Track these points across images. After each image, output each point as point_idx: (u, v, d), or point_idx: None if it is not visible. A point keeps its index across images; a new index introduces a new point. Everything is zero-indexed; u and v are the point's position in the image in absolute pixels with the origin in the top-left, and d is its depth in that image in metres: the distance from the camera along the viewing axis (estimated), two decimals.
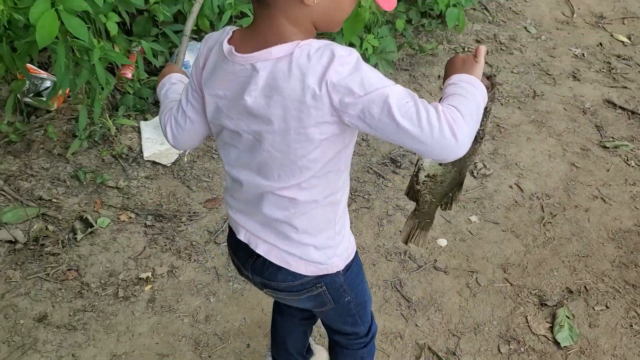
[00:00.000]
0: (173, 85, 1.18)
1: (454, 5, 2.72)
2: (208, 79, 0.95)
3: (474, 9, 3.21)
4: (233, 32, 0.93)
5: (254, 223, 1.02)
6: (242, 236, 1.05)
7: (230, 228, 1.11)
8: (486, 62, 2.86)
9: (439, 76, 2.75)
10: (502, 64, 2.89)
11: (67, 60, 1.91)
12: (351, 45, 2.52)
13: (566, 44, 3.10)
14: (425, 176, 1.13)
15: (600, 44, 3.12)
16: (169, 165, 2.20)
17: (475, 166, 2.32)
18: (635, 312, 1.80)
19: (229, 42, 0.90)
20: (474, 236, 2.03)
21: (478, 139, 1.06)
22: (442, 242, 2.01)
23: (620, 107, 2.67)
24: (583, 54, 3.03)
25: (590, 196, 2.22)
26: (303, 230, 0.99)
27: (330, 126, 0.85)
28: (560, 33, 3.19)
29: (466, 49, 2.93)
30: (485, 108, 0.97)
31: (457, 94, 0.89)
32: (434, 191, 1.16)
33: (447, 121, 0.82)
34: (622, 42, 3.15)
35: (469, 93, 0.90)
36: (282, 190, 0.95)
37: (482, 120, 0.96)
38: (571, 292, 1.85)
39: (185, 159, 2.24)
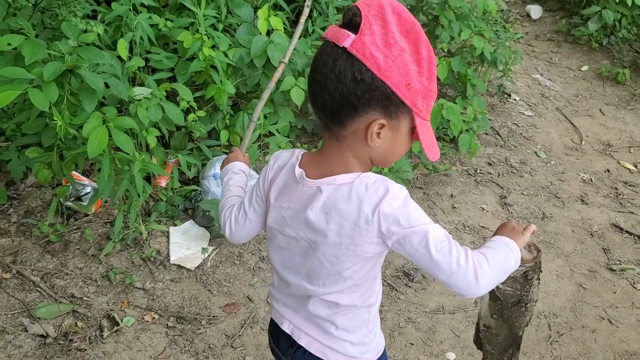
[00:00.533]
0: (235, 175, 1.34)
1: (467, 131, 2.94)
2: (277, 192, 1.12)
3: (487, 134, 3.43)
4: (302, 155, 1.11)
5: (298, 317, 1.17)
6: (285, 327, 1.19)
7: (272, 319, 1.25)
8: (497, 184, 3.03)
9: (452, 195, 2.91)
10: (512, 186, 3.05)
11: (110, 170, 2.13)
12: None
13: (575, 169, 3.27)
14: (482, 325, 1.26)
15: (608, 170, 3.28)
16: (193, 269, 2.34)
17: None
18: None
19: (300, 165, 1.08)
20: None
21: (523, 304, 1.19)
22: (451, 355, 2.07)
23: (627, 232, 2.77)
24: (591, 179, 3.18)
25: (597, 317, 2.27)
26: (342, 328, 1.14)
27: (375, 246, 1.02)
28: (569, 159, 3.36)
29: (478, 171, 3.10)
30: (531, 278, 1.14)
31: (492, 247, 1.07)
32: (491, 342, 1.28)
33: (473, 263, 0.98)
34: (629, 169, 3.31)
35: (502, 250, 1.06)
36: (326, 295, 1.11)
37: (528, 288, 1.15)
38: None
39: (209, 263, 2.38)
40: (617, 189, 3.11)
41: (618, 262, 2.58)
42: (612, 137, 3.61)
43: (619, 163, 3.36)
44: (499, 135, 3.45)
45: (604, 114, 3.81)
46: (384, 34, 0.94)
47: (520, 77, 4.13)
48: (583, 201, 2.99)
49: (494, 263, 1.02)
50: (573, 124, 3.69)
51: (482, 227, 2.74)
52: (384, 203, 0.97)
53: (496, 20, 3.67)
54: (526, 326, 1.25)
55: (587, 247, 2.67)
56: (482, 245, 1.07)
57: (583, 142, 3.53)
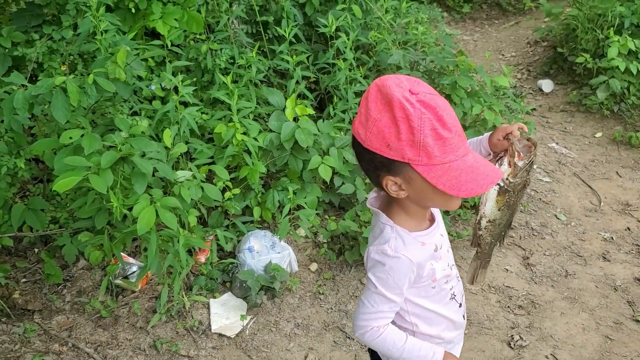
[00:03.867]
0: None
1: None
2: None
3: None
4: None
5: None
6: None
7: None
8: (519, 246, 3.16)
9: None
10: (534, 247, 3.17)
11: (156, 246, 2.35)
12: None
13: (595, 229, 3.38)
14: (487, 222, 1.43)
15: (628, 228, 3.38)
16: (233, 336, 2.49)
17: (512, 338, 2.49)
18: None
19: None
20: None
21: (527, 185, 1.38)
22: None
23: None
24: (612, 238, 3.28)
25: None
26: None
27: None
28: (589, 220, 3.48)
29: None
30: (533, 162, 1.36)
31: (413, 345, 1.39)
32: (493, 233, 1.45)
33: (368, 328, 1.38)
34: None
35: (407, 350, 1.37)
36: None
37: (530, 172, 1.36)
38: None
39: (247, 331, 2.54)
40: (638, 245, 3.19)
41: None
42: (631, 197, 3.72)
43: (638, 221, 3.45)
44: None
45: (620, 176, 3.94)
46: (365, 112, 1.19)
47: (538, 147, 4.32)
48: (605, 258, 3.08)
49: (385, 347, 1.39)
50: (591, 187, 3.83)
51: (507, 287, 2.85)
52: (374, 247, 1.33)
53: (507, 95, 3.90)
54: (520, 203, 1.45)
55: (612, 300, 2.74)
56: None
57: (602, 204, 3.65)
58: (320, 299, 2.75)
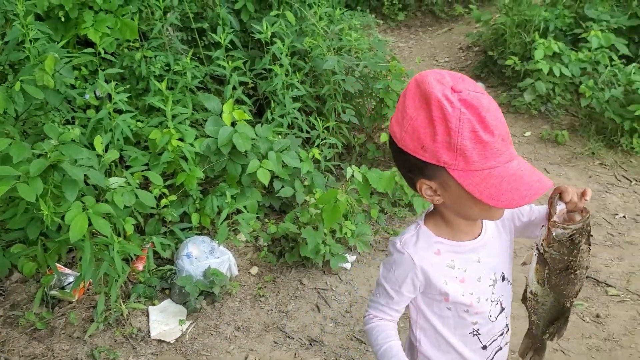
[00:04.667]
0: None
1: (419, 195, 3.21)
2: None
3: None
4: None
5: None
6: None
7: None
8: None
9: None
10: None
11: (90, 254, 2.33)
12: (331, 230, 2.95)
13: None
14: (529, 292, 1.26)
15: None
16: (172, 342, 2.48)
17: None
18: None
19: None
20: None
21: (571, 270, 1.16)
22: None
23: None
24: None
25: (551, 349, 2.45)
26: None
27: None
28: None
29: None
30: (578, 242, 1.14)
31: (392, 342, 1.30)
32: (537, 312, 1.28)
33: (366, 314, 1.36)
34: None
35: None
36: None
37: (575, 253, 1.15)
38: None
39: (187, 336, 2.54)
40: None
41: None
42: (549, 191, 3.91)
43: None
44: None
45: (548, 172, 4.13)
46: (401, 109, 1.10)
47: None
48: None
49: (369, 338, 1.35)
50: None
51: None
52: (393, 237, 1.33)
53: None
54: (575, 297, 1.21)
55: None
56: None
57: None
58: (260, 301, 2.77)
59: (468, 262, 1.27)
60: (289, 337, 2.56)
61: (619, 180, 3.93)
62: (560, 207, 1.15)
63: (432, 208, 1.29)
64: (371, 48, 3.88)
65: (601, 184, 3.90)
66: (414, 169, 1.12)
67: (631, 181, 3.93)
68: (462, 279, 1.26)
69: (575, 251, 1.13)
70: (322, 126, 3.33)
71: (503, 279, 1.33)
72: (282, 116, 3.38)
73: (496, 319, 1.33)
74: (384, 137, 3.49)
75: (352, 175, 2.91)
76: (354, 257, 3.06)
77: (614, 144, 4.28)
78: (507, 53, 5.05)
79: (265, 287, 2.87)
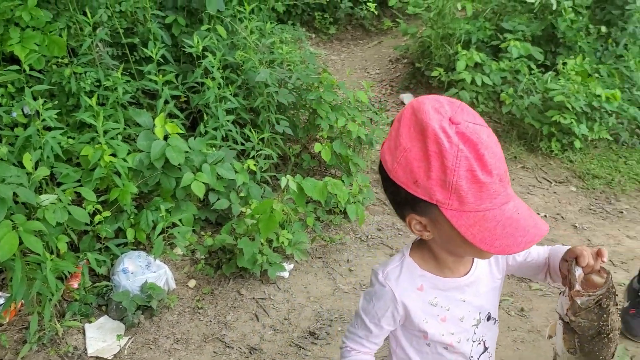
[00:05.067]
0: None
1: (354, 202, 3.31)
2: None
3: (375, 205, 3.83)
4: None
5: None
6: None
7: None
8: (387, 245, 3.38)
9: (348, 260, 3.22)
10: (400, 245, 3.41)
11: (22, 273, 2.29)
12: (268, 240, 3.00)
13: None
14: None
15: None
16: (110, 358, 2.46)
17: None
18: None
19: None
20: None
21: (604, 334, 1.10)
22: None
23: None
24: None
25: None
26: None
27: None
28: None
29: (369, 237, 3.45)
30: (606, 306, 1.08)
31: None
32: None
33: (343, 345, 1.34)
34: None
35: None
36: None
37: (605, 317, 1.08)
38: None
39: (126, 351, 2.52)
40: None
41: None
42: None
43: None
44: (385, 204, 3.85)
45: None
46: (395, 136, 1.03)
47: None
48: None
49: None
50: None
51: None
52: (375, 266, 1.28)
53: (370, 108, 4.18)
54: (612, 357, 1.14)
55: None
56: None
57: None
58: (199, 313, 2.78)
59: (452, 301, 1.22)
60: (228, 346, 2.59)
61: (540, 182, 4.17)
62: (578, 272, 1.09)
63: (420, 238, 1.20)
64: (303, 61, 3.98)
65: (523, 186, 4.12)
66: (404, 202, 1.07)
67: (551, 182, 4.18)
68: (443, 317, 1.22)
69: (605, 315, 1.07)
70: (257, 138, 3.38)
71: (488, 319, 1.28)
72: (215, 129, 3.41)
73: (478, 359, 1.29)
74: (318, 147, 3.58)
75: (287, 185, 2.98)
76: (292, 266, 3.12)
77: (534, 148, 4.54)
78: (433, 64, 5.27)
79: (204, 299, 2.88)
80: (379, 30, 7.00)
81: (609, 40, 5.13)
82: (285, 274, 3.05)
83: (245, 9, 3.70)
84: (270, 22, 4.08)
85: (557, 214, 3.81)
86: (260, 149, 3.45)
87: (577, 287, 1.09)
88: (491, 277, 1.28)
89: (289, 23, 5.47)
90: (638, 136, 4.60)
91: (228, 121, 3.42)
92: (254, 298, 2.90)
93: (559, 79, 4.45)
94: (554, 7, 4.77)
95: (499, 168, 0.98)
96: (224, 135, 3.42)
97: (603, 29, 5.09)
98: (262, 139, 3.54)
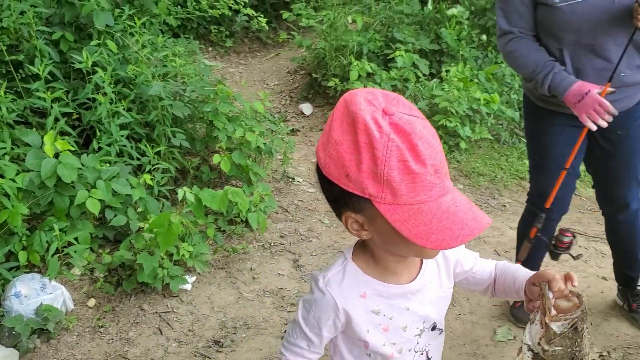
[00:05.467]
0: None
1: (253, 211, 3.37)
2: None
3: (277, 213, 3.91)
4: None
5: None
6: None
7: None
8: (289, 251, 3.47)
9: (251, 269, 3.27)
10: (303, 250, 3.50)
11: None
12: (169, 253, 2.99)
13: None
14: None
15: None
16: None
17: (285, 332, 2.75)
18: None
19: None
20: None
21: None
22: None
23: None
24: None
25: None
26: None
27: None
28: None
29: (272, 244, 3.52)
30: (581, 330, 1.04)
31: None
32: None
33: (282, 358, 1.24)
34: None
35: None
36: None
37: (579, 341, 1.03)
38: None
39: None
40: None
41: None
42: None
43: None
44: (288, 211, 3.95)
45: None
46: (327, 131, 1.00)
47: (302, 162, 4.76)
48: None
49: None
50: None
51: (280, 289, 3.12)
52: (314, 272, 1.22)
53: (268, 119, 4.26)
54: None
55: None
56: None
57: None
58: (100, 332, 2.73)
59: (395, 309, 1.17)
60: None
61: None
62: (550, 296, 1.05)
63: (362, 240, 1.16)
64: (197, 73, 4.00)
65: None
66: (338, 199, 1.02)
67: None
68: (386, 327, 1.17)
69: (579, 340, 1.03)
70: (153, 152, 3.36)
71: (433, 329, 1.24)
72: (110, 144, 3.35)
73: None
74: (216, 159, 3.61)
75: (185, 197, 2.99)
76: (194, 278, 3.13)
77: None
78: (329, 75, 5.45)
79: (104, 317, 2.83)
80: (276, 43, 7.13)
81: (489, 48, 5.54)
82: (188, 287, 3.05)
83: (135, 23, 3.67)
84: (163, 36, 4.07)
85: None
86: (157, 163, 3.43)
87: (554, 311, 1.03)
88: (439, 285, 1.23)
89: (184, 37, 5.46)
90: (517, 135, 4.99)
91: (122, 136, 3.38)
92: (156, 312, 2.88)
93: (444, 86, 4.75)
94: (429, 8, 5.07)
95: (434, 159, 0.94)
96: (119, 151, 3.38)
97: (484, 37, 5.49)
98: (158, 153, 3.52)
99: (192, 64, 4.11)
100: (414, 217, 0.94)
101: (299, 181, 4.43)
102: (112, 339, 2.70)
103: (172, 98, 3.71)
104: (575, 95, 2.10)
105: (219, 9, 4.47)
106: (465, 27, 5.39)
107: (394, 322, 1.17)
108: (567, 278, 1.06)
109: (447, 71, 4.93)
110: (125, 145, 3.38)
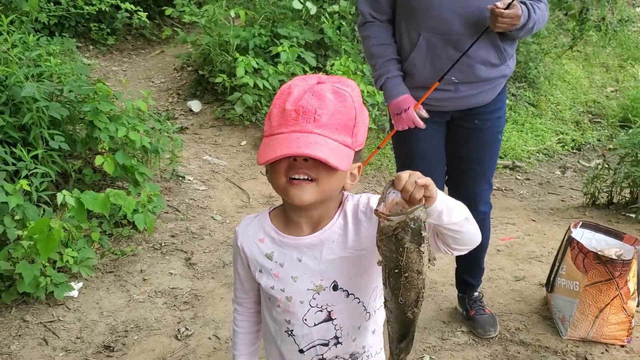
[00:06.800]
0: None
1: (141, 212, 3.30)
2: None
3: (167, 212, 3.85)
4: None
5: None
6: None
7: None
8: (181, 250, 3.43)
9: (141, 270, 3.21)
10: (195, 248, 3.49)
11: None
12: (51, 261, 2.87)
13: None
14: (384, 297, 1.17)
15: None
16: None
17: (179, 331, 2.74)
18: None
19: None
20: None
21: (402, 272, 1.07)
22: None
23: None
24: None
25: None
26: None
27: None
28: (241, 215, 3.97)
29: (163, 244, 3.48)
30: (401, 238, 1.04)
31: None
32: (389, 321, 1.18)
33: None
34: None
35: None
36: None
37: (402, 252, 1.04)
38: None
39: None
40: None
41: None
42: (273, 190, 4.35)
43: None
44: (178, 210, 3.90)
45: (263, 175, 4.57)
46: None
47: (193, 160, 4.72)
48: None
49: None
50: (241, 188, 4.36)
51: (172, 288, 3.09)
52: None
53: (153, 117, 4.17)
54: (415, 308, 1.12)
55: None
56: None
57: (251, 200, 4.20)
58: None
59: (286, 258, 1.24)
60: None
61: None
62: (394, 196, 1.05)
63: None
64: (75, 72, 3.84)
65: None
66: None
67: None
68: (276, 273, 1.25)
69: (401, 249, 1.04)
70: (30, 156, 3.20)
71: (335, 289, 1.25)
72: None
73: (315, 325, 1.27)
74: (99, 160, 3.49)
75: (65, 201, 2.88)
76: (80, 284, 3.03)
77: None
78: (216, 71, 5.42)
79: None
80: (160, 40, 6.96)
81: None
82: (75, 293, 2.95)
83: (2, 22, 3.47)
84: (37, 35, 3.87)
85: None
86: (35, 168, 3.27)
87: (382, 207, 1.05)
88: (343, 245, 1.23)
89: (60, 35, 5.20)
90: None
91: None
92: (41, 322, 2.76)
93: None
94: (312, 13, 5.19)
95: (310, 107, 1.10)
96: None
97: None
98: (36, 157, 3.35)
99: (68, 63, 3.93)
100: (263, 144, 1.13)
101: (189, 179, 4.39)
102: None
103: (48, 99, 3.53)
104: (396, 108, 2.22)
105: (95, 4, 4.30)
106: (349, 22, 5.54)
107: (284, 270, 1.25)
108: (419, 183, 1.03)
109: (332, 65, 5.06)
110: None
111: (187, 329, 2.75)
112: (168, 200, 3.97)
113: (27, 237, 2.85)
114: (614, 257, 2.52)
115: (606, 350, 2.59)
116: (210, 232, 3.71)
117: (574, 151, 5.60)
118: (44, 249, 2.73)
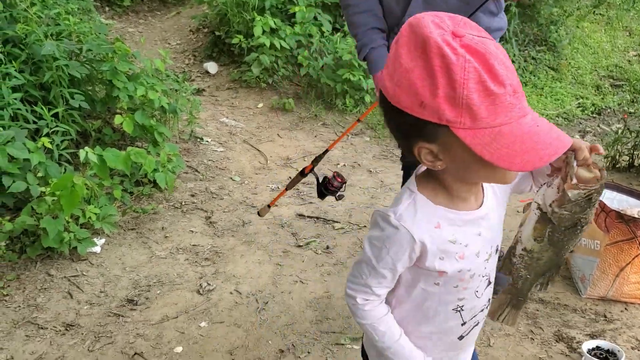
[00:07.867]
0: None
1: (161, 171, 3.33)
2: None
3: (187, 173, 3.87)
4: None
5: None
6: None
7: None
8: (201, 209, 3.46)
9: (163, 228, 3.25)
10: (214, 207, 3.51)
11: None
12: (74, 217, 2.91)
13: (264, 183, 3.89)
14: (522, 249, 1.18)
15: (290, 177, 3.97)
16: None
17: (201, 286, 2.78)
18: (329, 349, 2.34)
19: None
20: (204, 337, 2.44)
21: (579, 226, 1.11)
22: (179, 349, 2.38)
23: (308, 217, 3.43)
24: (278, 187, 3.82)
25: (292, 282, 2.81)
26: None
27: None
28: (259, 176, 3.99)
29: (183, 203, 3.51)
30: (595, 200, 1.07)
31: (390, 332, 1.22)
32: (530, 267, 1.19)
33: (352, 301, 1.20)
34: None
35: (388, 342, 1.21)
36: None
37: (588, 210, 1.07)
38: (282, 351, 2.33)
39: None
40: (298, 189, 3.79)
41: (304, 239, 3.19)
42: (290, 152, 4.36)
43: (297, 170, 4.07)
44: (197, 171, 3.92)
45: (281, 137, 4.57)
46: (393, 59, 0.95)
47: (210, 122, 4.72)
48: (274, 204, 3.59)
49: (367, 328, 1.21)
50: (259, 150, 4.36)
51: (193, 245, 3.13)
52: (380, 209, 1.15)
53: (170, 77, 4.16)
54: (574, 247, 1.18)
55: (280, 235, 3.24)
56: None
57: (268, 162, 4.21)
58: (5, 301, 2.64)
59: (469, 236, 1.14)
60: (42, 327, 2.50)
61: (338, 136, 4.53)
62: (574, 166, 1.05)
63: (423, 169, 1.13)
64: (93, 32, 3.83)
65: (325, 141, 4.45)
66: (411, 130, 0.98)
67: (348, 135, 4.56)
68: (461, 254, 1.14)
69: (589, 209, 1.07)
70: (50, 114, 3.22)
71: (496, 252, 1.23)
72: (2, 108, 3.17)
73: (482, 294, 1.23)
74: (118, 119, 3.51)
75: (88, 158, 2.91)
76: (103, 240, 3.07)
77: (332, 105, 4.90)
78: (232, 32, 5.37)
79: (9, 285, 2.73)
80: (176, 1, 6.90)
81: None
82: (97, 249, 3.00)
83: None
84: None
85: (355, 162, 4.19)
86: (56, 126, 3.29)
87: (575, 180, 1.05)
88: (498, 208, 1.21)
89: None
90: None
91: (15, 99, 3.21)
92: (65, 277, 2.82)
93: (347, 39, 4.82)
94: None
95: (512, 79, 0.91)
96: (13, 115, 3.20)
97: None
98: (56, 116, 3.37)
99: (87, 22, 3.92)
100: (495, 141, 0.91)
101: (207, 141, 4.39)
102: (19, 307, 2.62)
103: (68, 58, 3.54)
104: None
105: None
106: None
107: (469, 249, 1.14)
108: (593, 149, 1.05)
109: None
110: (19, 109, 3.21)
111: (208, 284, 2.79)
112: (187, 161, 3.98)
113: (50, 194, 2.89)
114: (636, 216, 2.51)
115: (625, 308, 2.60)
116: (229, 192, 3.73)
117: (594, 115, 5.52)
118: (68, 204, 2.77)
